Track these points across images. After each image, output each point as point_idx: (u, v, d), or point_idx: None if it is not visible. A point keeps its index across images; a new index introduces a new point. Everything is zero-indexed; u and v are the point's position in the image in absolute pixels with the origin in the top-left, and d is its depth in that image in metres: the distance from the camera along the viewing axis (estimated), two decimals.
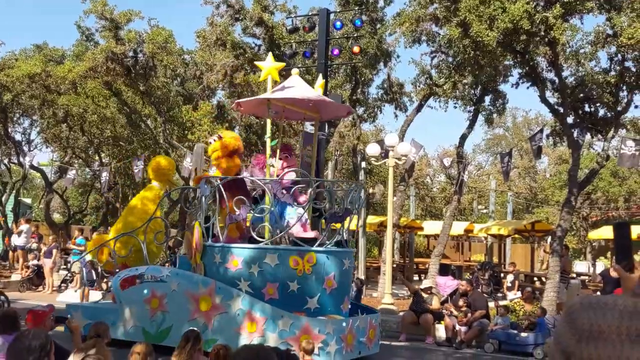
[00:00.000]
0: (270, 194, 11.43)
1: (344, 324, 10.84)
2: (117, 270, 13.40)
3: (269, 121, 12.84)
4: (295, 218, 11.60)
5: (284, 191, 11.90)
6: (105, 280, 20.32)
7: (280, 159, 12.63)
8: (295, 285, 10.92)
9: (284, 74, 16.57)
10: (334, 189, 12.91)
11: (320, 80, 14.02)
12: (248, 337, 10.52)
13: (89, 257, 19.77)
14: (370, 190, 32.87)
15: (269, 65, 12.56)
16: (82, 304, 13.54)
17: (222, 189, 11.39)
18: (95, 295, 19.18)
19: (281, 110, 12.68)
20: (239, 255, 11.13)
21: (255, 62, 15.30)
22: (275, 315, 10.54)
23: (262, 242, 11.26)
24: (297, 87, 12.33)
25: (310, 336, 10.18)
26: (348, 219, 11.98)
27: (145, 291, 11.65)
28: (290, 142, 18.06)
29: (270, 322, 10.54)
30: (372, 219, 28.36)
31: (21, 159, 33.85)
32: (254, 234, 11.42)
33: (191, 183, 14.50)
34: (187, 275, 11.57)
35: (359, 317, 11.46)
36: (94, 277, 19.26)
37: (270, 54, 14.11)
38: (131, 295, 11.81)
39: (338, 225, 12.27)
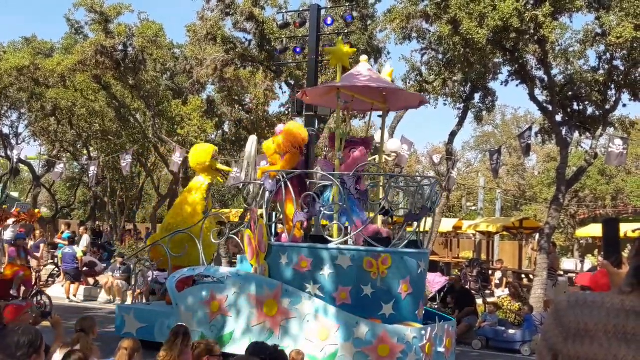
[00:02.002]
0: (342, 190, 10.44)
1: (423, 333, 9.84)
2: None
3: (338, 112, 11.74)
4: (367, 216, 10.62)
5: (357, 187, 10.71)
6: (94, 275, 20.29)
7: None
8: (369, 289, 9.93)
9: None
10: (404, 185, 11.90)
11: (388, 69, 12.75)
12: (320, 345, 9.72)
13: (79, 252, 19.72)
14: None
15: (338, 51, 11.44)
16: (135, 306, 12.51)
17: (289, 185, 10.53)
18: (81, 290, 19.18)
19: (350, 100, 11.57)
20: (308, 256, 10.17)
21: (325, 48, 14.05)
22: (349, 322, 9.65)
23: (332, 241, 10.28)
24: (368, 75, 11.21)
25: (389, 346, 9.44)
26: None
27: (204, 293, 10.84)
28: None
29: (344, 330, 9.66)
30: None
31: (9, 153, 33.66)
32: (324, 233, 10.57)
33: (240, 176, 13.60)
34: (251, 276, 10.71)
35: (436, 324, 10.46)
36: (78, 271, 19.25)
37: (340, 38, 12.94)
38: (188, 297, 11.00)
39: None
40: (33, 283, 15.23)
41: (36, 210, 19.76)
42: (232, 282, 10.63)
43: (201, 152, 14.25)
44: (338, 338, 9.61)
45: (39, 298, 15.03)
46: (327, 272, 10.04)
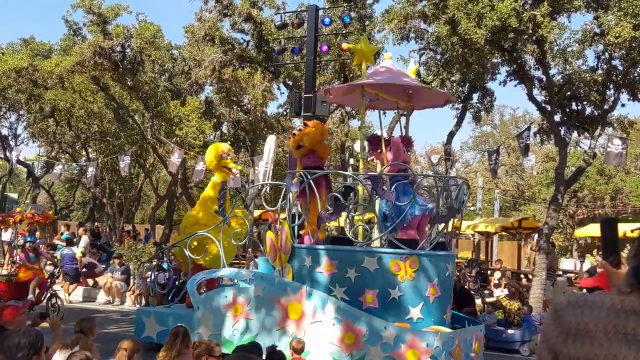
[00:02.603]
0: (369, 191, 10.12)
1: (453, 337, 9.50)
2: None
3: (363, 110, 11.28)
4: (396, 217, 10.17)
5: (385, 187, 10.30)
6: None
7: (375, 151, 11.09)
8: (396, 292, 9.61)
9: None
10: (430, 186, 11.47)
11: (412, 66, 12.42)
12: (346, 349, 9.36)
13: (78, 253, 19.70)
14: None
15: (362, 49, 11.01)
16: (155, 309, 12.17)
17: (313, 185, 10.11)
18: (79, 291, 19.17)
19: (375, 99, 11.13)
20: (333, 258, 9.84)
21: (349, 45, 13.52)
22: (377, 326, 9.30)
23: (358, 243, 10.02)
24: (393, 73, 10.81)
25: (418, 351, 9.07)
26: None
27: (226, 296, 10.51)
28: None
29: (371, 334, 9.29)
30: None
31: (7, 154, 33.65)
32: (350, 235, 10.24)
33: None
34: (274, 279, 10.36)
35: (465, 328, 10.17)
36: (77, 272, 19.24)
37: (364, 36, 12.46)
38: (210, 300, 10.65)
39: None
40: (47, 286, 15.13)
41: (50, 212, 19.66)
42: (255, 285, 10.29)
43: (210, 151, 13.84)
44: (365, 342, 9.26)
45: (53, 301, 14.95)
46: (352, 274, 9.71)
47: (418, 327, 9.59)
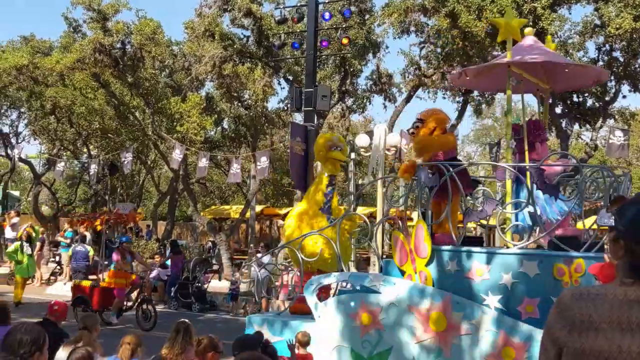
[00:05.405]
0: (529, 184, 9.03)
1: None
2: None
3: (509, 93, 9.92)
4: (557, 214, 9.17)
5: (546, 181, 9.21)
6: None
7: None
8: None
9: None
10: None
11: (549, 42, 10.94)
12: None
13: (91, 251, 19.67)
14: (359, 181, 32.88)
15: (508, 23, 9.82)
16: (268, 316, 10.92)
17: (457, 178, 8.84)
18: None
19: (520, 80, 9.91)
20: (483, 262, 8.65)
21: (493, 19, 12.06)
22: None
23: (515, 245, 8.84)
24: (540, 50, 9.59)
25: None
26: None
27: (352, 303, 9.28)
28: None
29: (536, 349, 7.70)
30: (362, 210, 28.36)
31: (9, 152, 33.69)
32: (502, 235, 9.14)
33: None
34: (410, 285, 9.11)
35: None
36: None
37: (510, 9, 11.32)
38: (333, 308, 9.37)
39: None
40: (139, 290, 14.73)
41: (138, 211, 19.33)
42: (387, 292, 9.11)
43: (318, 141, 11.94)
44: (529, 358, 8.08)
45: (144, 307, 14.25)
46: (509, 281, 8.48)
47: None
